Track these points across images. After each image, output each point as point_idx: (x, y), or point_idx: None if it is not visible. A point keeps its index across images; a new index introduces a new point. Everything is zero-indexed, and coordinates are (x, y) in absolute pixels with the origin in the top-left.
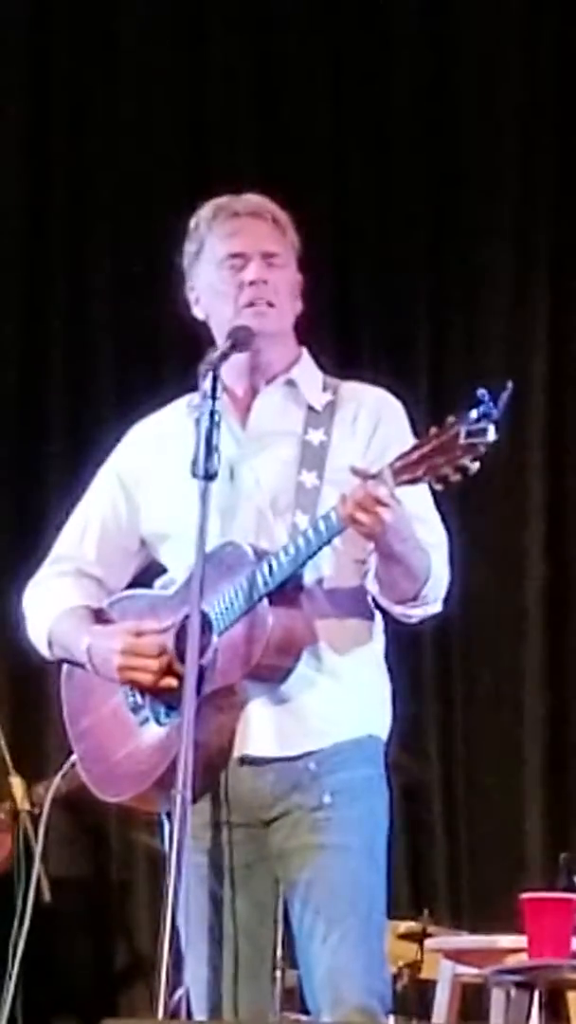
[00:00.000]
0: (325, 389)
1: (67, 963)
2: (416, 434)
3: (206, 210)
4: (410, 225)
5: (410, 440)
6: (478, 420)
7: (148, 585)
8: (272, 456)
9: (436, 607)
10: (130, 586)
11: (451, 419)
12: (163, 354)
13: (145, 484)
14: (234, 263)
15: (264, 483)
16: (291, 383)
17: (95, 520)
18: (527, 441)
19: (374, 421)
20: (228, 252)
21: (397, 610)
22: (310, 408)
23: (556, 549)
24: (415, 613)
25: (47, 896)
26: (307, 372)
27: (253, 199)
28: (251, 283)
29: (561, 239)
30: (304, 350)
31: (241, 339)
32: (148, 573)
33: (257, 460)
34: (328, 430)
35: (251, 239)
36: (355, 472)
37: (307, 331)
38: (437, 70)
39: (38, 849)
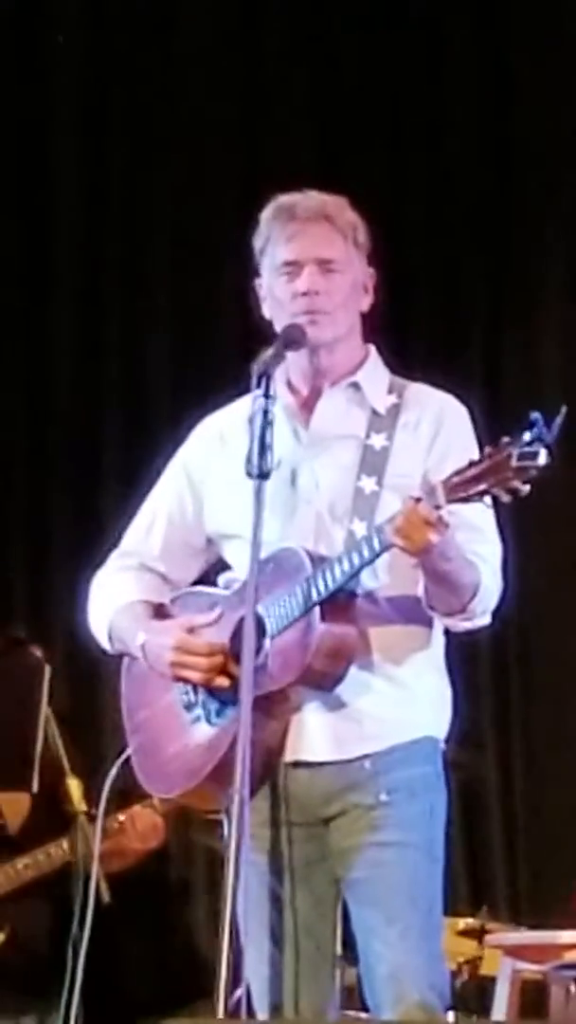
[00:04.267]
0: (391, 391)
1: (126, 962)
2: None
3: (269, 209)
4: (467, 229)
5: (473, 447)
6: (531, 443)
7: (214, 582)
8: (332, 460)
9: (485, 620)
10: (197, 582)
11: (505, 440)
12: (220, 351)
13: (210, 481)
14: (289, 270)
15: (323, 487)
16: (355, 386)
17: (162, 514)
18: None
19: (436, 427)
20: (284, 259)
21: (445, 622)
22: (374, 411)
23: None
24: (463, 625)
25: (106, 896)
26: (373, 374)
27: (314, 200)
28: (303, 293)
29: None
30: (372, 349)
31: (293, 338)
32: (215, 569)
33: (317, 463)
34: (390, 434)
35: (306, 246)
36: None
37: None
38: (496, 58)
39: (95, 847)
